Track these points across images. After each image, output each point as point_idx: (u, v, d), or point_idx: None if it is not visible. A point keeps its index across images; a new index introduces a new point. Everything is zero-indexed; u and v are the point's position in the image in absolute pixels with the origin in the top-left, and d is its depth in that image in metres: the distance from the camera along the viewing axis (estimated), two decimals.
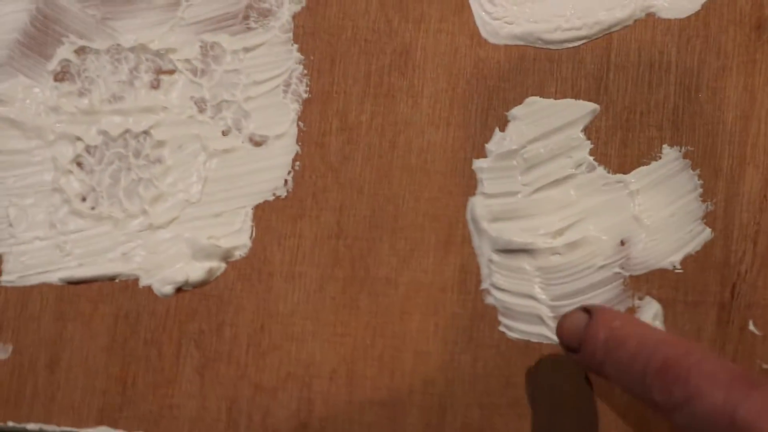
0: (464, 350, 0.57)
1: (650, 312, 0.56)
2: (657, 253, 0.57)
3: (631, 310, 0.57)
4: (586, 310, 0.50)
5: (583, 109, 0.59)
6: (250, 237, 0.59)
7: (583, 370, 0.56)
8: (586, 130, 0.59)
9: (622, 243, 0.58)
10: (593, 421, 0.56)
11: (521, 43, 0.60)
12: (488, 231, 0.58)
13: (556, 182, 0.58)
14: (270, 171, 0.60)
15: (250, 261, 0.59)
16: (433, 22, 0.60)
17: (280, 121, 0.60)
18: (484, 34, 0.60)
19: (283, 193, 0.60)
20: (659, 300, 0.57)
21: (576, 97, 0.59)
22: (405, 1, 0.61)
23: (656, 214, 0.58)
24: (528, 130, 0.59)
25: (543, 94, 0.59)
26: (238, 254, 0.59)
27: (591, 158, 0.58)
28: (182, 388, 0.58)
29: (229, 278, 0.59)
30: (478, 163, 0.59)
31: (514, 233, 0.58)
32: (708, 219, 0.58)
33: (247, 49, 0.61)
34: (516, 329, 0.57)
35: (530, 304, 0.57)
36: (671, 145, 0.58)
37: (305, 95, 0.61)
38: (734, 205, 0.57)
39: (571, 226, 0.58)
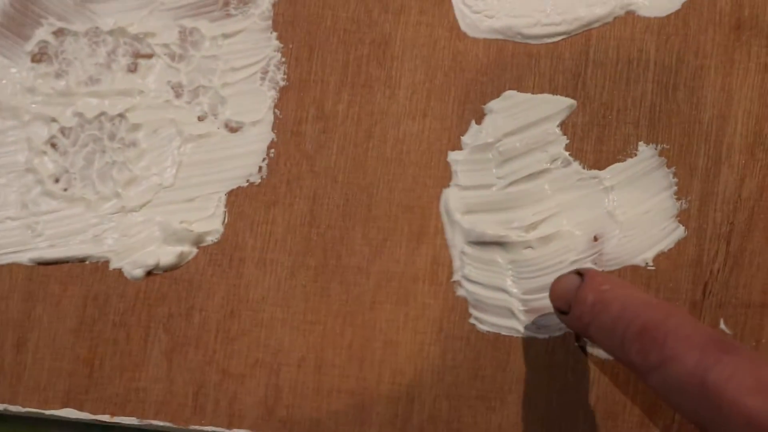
0: (434, 341, 0.57)
1: None
2: (630, 249, 0.57)
3: None
4: (579, 273, 0.50)
5: (560, 104, 0.59)
6: (223, 222, 0.59)
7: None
8: (563, 126, 0.59)
9: (596, 238, 0.57)
10: (562, 414, 0.56)
11: (500, 37, 0.60)
12: (461, 223, 0.57)
13: (531, 176, 0.58)
14: (245, 157, 0.60)
15: (222, 246, 0.59)
16: (413, 14, 0.60)
17: (256, 108, 0.60)
18: (463, 27, 0.60)
19: (257, 179, 0.59)
20: None
21: (553, 92, 0.59)
22: None
23: (630, 210, 0.58)
24: (504, 124, 0.59)
25: (520, 89, 0.59)
26: (210, 239, 0.59)
27: (566, 153, 0.58)
28: (149, 372, 0.58)
29: (200, 263, 0.59)
30: (454, 155, 0.59)
31: (488, 226, 0.57)
32: (682, 217, 0.57)
33: (225, 36, 0.61)
34: (486, 322, 0.57)
35: (501, 297, 0.57)
36: (647, 143, 0.58)
37: (282, 83, 0.60)
38: (708, 204, 0.57)
39: (544, 220, 0.58)
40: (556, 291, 0.51)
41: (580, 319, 0.48)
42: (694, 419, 0.41)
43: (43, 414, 0.58)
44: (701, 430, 0.41)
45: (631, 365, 0.45)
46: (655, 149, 0.58)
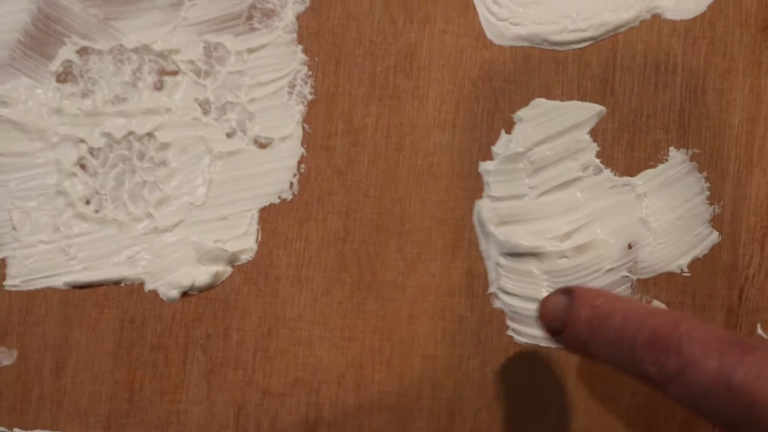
0: (472, 355, 0.57)
1: None
2: (664, 256, 0.57)
3: None
4: (566, 291, 0.49)
5: (590, 111, 0.59)
6: (256, 240, 0.59)
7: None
8: (593, 133, 0.59)
9: (630, 246, 0.57)
10: (602, 424, 0.56)
11: (527, 44, 0.60)
12: (495, 234, 0.57)
13: (563, 185, 0.58)
14: (275, 173, 0.60)
15: (257, 265, 0.59)
16: (438, 23, 0.60)
17: (284, 123, 0.60)
18: (489, 35, 0.60)
19: (288, 196, 0.59)
20: (667, 304, 0.57)
21: (582, 98, 0.59)
22: (409, 2, 0.60)
23: (663, 217, 0.58)
24: (534, 133, 0.58)
25: (549, 96, 0.59)
26: (245, 258, 0.59)
27: (598, 161, 0.58)
28: (189, 394, 0.58)
29: (235, 282, 0.59)
30: (485, 166, 0.59)
31: (522, 236, 0.57)
32: (715, 222, 0.57)
33: (251, 50, 0.61)
34: (524, 333, 0.57)
35: None
36: (678, 148, 0.58)
37: (310, 97, 0.60)
38: (741, 208, 0.57)
39: (578, 229, 0.58)
40: (544, 312, 0.49)
41: (577, 338, 0.46)
42: (721, 423, 0.41)
43: None
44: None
45: (644, 377, 0.43)
46: (686, 154, 0.58)
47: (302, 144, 0.60)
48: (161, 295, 0.59)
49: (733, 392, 0.39)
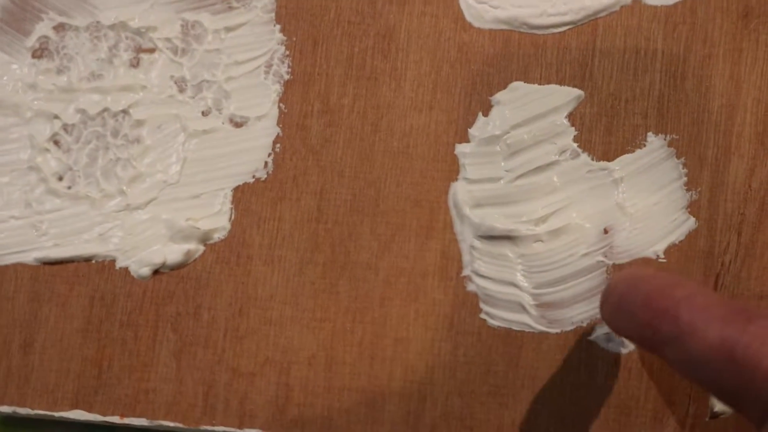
0: (445, 337, 0.57)
1: None
2: (641, 241, 0.57)
3: None
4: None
5: (568, 95, 0.58)
6: (230, 219, 0.59)
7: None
8: (571, 117, 0.58)
9: (606, 231, 0.57)
10: (575, 409, 0.56)
11: (506, 27, 0.59)
12: (470, 217, 0.57)
13: (540, 169, 0.58)
14: (250, 153, 0.59)
15: (229, 244, 0.58)
16: (417, 5, 0.60)
17: (261, 102, 0.60)
18: (468, 17, 0.60)
19: (263, 175, 0.59)
20: None
21: (561, 83, 0.59)
22: None
23: (640, 202, 0.57)
24: (512, 116, 0.58)
25: (527, 80, 0.59)
26: (217, 237, 0.59)
27: (575, 145, 0.58)
28: (159, 372, 0.58)
29: (207, 261, 0.58)
30: (461, 148, 0.58)
31: (497, 219, 0.57)
32: (692, 208, 0.57)
33: (228, 29, 0.61)
34: (497, 317, 0.57)
35: (512, 292, 0.57)
36: (656, 133, 0.58)
37: (287, 76, 0.60)
38: (719, 194, 0.57)
39: (554, 213, 0.57)
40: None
41: (602, 314, 0.47)
42: (720, 391, 0.41)
43: (52, 416, 0.58)
44: (728, 401, 0.41)
45: (642, 342, 0.43)
46: (664, 140, 0.58)
47: (278, 124, 0.59)
48: (132, 273, 0.58)
49: (737, 363, 0.39)
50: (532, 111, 0.58)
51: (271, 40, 0.60)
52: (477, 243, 0.57)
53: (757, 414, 0.39)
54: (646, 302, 0.43)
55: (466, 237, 0.57)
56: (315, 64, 0.60)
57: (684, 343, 0.41)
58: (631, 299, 0.44)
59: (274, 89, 0.60)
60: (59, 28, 0.61)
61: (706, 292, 0.42)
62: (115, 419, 0.57)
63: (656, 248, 0.57)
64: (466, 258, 0.57)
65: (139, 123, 0.60)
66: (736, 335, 0.39)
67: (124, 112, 0.60)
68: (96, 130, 0.60)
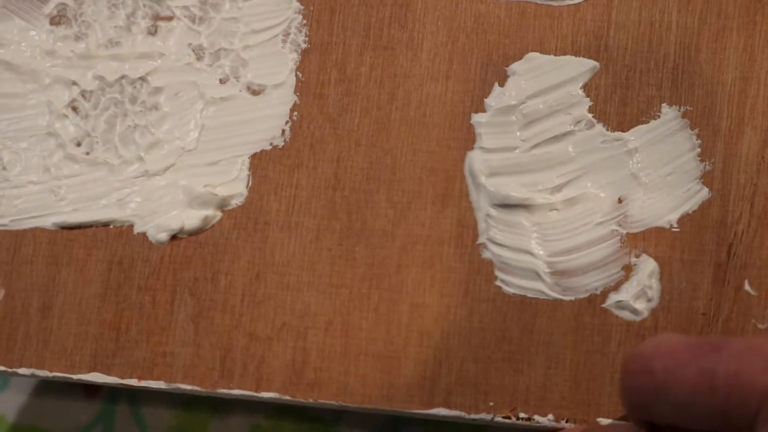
0: (460, 304, 0.57)
1: (646, 270, 0.56)
2: (654, 211, 0.57)
3: (628, 268, 0.57)
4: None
5: (583, 66, 0.59)
6: (247, 186, 0.59)
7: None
8: (586, 88, 0.59)
9: (620, 200, 0.57)
10: (589, 376, 0.56)
11: None
12: (486, 185, 0.57)
13: (555, 138, 0.58)
14: (267, 120, 0.60)
15: (246, 210, 0.59)
16: None
17: (278, 70, 0.60)
18: None
19: (280, 143, 0.59)
20: (656, 258, 0.57)
21: (576, 54, 0.59)
22: None
23: (654, 172, 0.58)
24: (527, 86, 0.58)
25: (543, 51, 0.59)
26: (235, 203, 0.59)
27: (590, 115, 0.58)
28: (176, 336, 0.58)
29: (224, 227, 0.59)
30: (477, 118, 0.59)
31: (512, 188, 0.57)
32: (706, 179, 0.57)
33: None
34: (512, 284, 0.57)
35: (527, 260, 0.57)
36: (670, 105, 0.58)
37: (304, 45, 0.60)
38: (732, 165, 0.57)
39: (569, 182, 0.58)
40: None
41: None
42: (714, 422, 0.41)
43: (70, 378, 0.58)
44: (722, 429, 0.41)
45: (637, 414, 0.43)
46: (679, 111, 0.58)
47: (295, 92, 0.60)
48: (150, 238, 0.59)
49: (718, 389, 0.39)
50: (548, 82, 0.59)
51: (289, 8, 0.61)
52: (492, 211, 0.58)
53: (746, 423, 0.39)
54: (627, 374, 0.43)
55: (481, 205, 0.58)
56: (332, 33, 0.60)
57: (668, 392, 0.41)
58: (622, 381, 0.44)
59: (292, 58, 0.60)
60: None
61: (671, 338, 0.42)
62: (133, 382, 0.58)
63: (670, 218, 0.57)
64: (481, 226, 0.58)
65: (157, 90, 0.60)
66: (711, 365, 0.39)
67: (142, 79, 0.60)
68: (114, 97, 0.60)
